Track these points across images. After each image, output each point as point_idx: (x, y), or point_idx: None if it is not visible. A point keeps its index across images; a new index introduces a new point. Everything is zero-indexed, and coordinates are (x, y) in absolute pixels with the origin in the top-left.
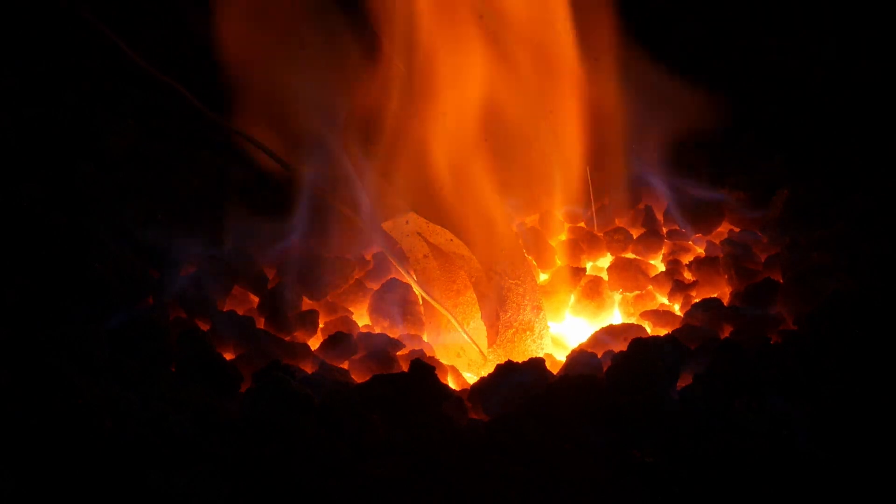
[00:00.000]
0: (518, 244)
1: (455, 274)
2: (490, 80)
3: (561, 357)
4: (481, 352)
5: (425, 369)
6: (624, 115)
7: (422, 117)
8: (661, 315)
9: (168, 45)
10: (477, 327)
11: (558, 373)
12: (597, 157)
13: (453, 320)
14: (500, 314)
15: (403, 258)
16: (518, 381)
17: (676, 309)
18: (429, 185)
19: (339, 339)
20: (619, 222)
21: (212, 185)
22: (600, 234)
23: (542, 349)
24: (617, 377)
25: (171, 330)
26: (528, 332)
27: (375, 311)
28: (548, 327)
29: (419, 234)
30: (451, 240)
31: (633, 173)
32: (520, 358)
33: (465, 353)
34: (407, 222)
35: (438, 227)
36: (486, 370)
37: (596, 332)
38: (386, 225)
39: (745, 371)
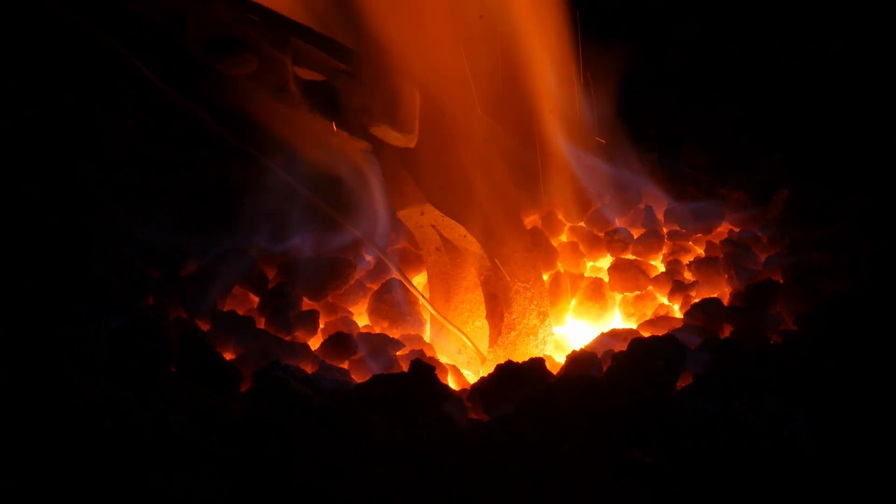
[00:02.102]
0: (532, 247)
1: (465, 270)
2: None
3: (561, 359)
4: (479, 352)
5: (425, 369)
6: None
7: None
8: (660, 318)
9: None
10: (480, 327)
11: (558, 373)
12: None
13: (445, 322)
14: (505, 315)
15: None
16: (518, 381)
17: (676, 309)
18: (451, 179)
19: (339, 339)
20: (619, 222)
21: (212, 185)
22: (600, 235)
23: (544, 354)
24: (617, 377)
25: (171, 330)
26: (531, 337)
27: (375, 311)
28: (552, 334)
29: (433, 226)
30: (465, 236)
31: (634, 173)
32: (520, 360)
33: (465, 350)
34: (422, 213)
35: (453, 222)
36: (486, 370)
37: (597, 337)
38: (401, 214)
39: (745, 371)
